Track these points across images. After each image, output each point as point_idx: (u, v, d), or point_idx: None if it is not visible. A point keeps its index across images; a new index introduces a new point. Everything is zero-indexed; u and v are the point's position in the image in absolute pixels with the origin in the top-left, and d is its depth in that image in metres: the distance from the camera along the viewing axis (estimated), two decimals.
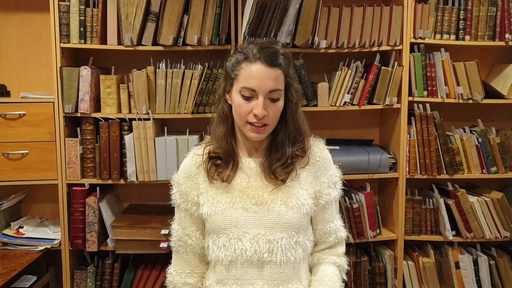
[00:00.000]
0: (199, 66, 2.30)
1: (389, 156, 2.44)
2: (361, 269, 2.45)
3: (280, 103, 1.38)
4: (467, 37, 2.41)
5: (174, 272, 1.49)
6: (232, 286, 1.37)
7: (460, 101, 2.43)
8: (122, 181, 2.35)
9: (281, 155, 1.41)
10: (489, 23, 2.40)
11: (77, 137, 2.33)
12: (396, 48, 2.38)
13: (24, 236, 2.39)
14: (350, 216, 2.40)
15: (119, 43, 2.29)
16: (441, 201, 2.44)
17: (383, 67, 2.37)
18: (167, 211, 1.75)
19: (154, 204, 2.58)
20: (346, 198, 2.42)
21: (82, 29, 2.26)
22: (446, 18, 2.39)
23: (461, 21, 2.40)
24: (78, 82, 2.26)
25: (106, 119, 2.32)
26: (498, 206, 2.44)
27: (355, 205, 2.40)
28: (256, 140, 1.40)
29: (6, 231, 2.40)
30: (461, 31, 2.40)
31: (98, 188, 2.38)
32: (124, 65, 2.45)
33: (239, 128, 1.42)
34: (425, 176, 2.44)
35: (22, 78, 2.55)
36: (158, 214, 2.41)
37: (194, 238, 1.46)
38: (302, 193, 1.41)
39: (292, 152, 1.42)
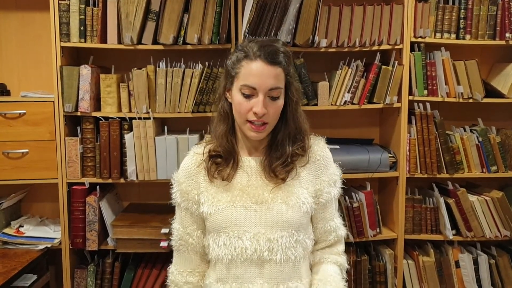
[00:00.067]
0: (199, 65, 2.30)
1: (389, 155, 2.44)
2: (361, 268, 2.45)
3: (280, 102, 1.38)
4: (468, 36, 2.41)
5: (175, 271, 1.49)
6: (232, 284, 1.37)
7: (461, 100, 2.43)
8: (122, 180, 2.35)
9: (281, 154, 1.41)
10: (489, 22, 2.40)
11: (77, 136, 2.33)
12: (396, 47, 2.38)
13: (24, 235, 2.39)
14: (350, 215, 2.40)
15: (119, 42, 2.29)
16: (441, 200, 2.44)
17: (383, 66, 2.37)
18: (167, 210, 1.74)
19: (154, 203, 2.58)
20: (346, 197, 2.41)
21: (82, 28, 2.26)
22: (447, 17, 2.39)
23: (462, 20, 2.39)
24: (78, 81, 2.26)
25: (106, 118, 2.32)
26: (498, 205, 2.44)
27: (355, 204, 2.40)
28: (255, 139, 1.40)
29: (6, 230, 2.40)
30: (462, 30, 2.40)
31: (98, 187, 2.38)
32: (124, 64, 2.45)
33: (239, 126, 1.42)
34: (425, 175, 2.44)
35: (22, 77, 2.55)
36: (158, 213, 2.41)
37: (195, 237, 1.46)
38: (302, 192, 1.40)
39: (292, 151, 1.41)
